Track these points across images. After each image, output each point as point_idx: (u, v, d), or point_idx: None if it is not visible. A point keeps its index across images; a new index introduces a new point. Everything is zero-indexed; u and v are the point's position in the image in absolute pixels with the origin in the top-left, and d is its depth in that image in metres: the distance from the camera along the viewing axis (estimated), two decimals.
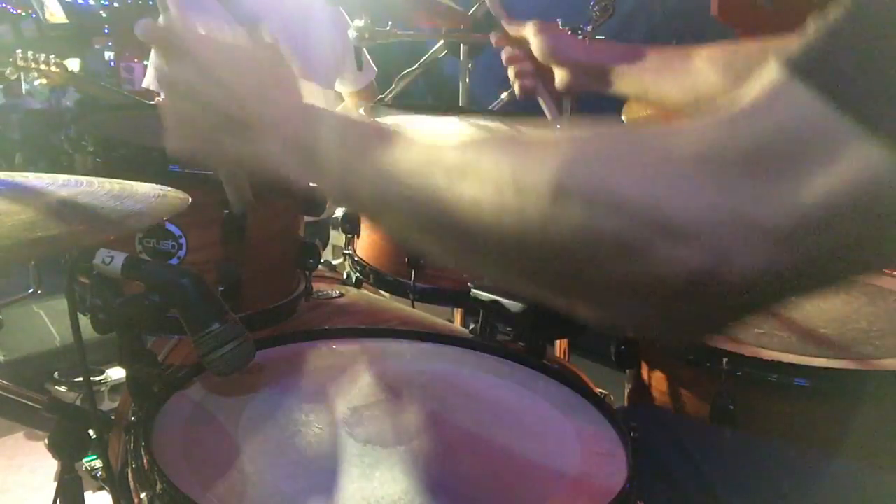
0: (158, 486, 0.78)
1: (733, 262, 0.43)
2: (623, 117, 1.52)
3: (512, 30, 1.30)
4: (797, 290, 0.48)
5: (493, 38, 1.33)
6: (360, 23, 1.90)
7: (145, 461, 0.82)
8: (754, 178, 0.43)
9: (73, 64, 2.72)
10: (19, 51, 2.62)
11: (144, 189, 0.91)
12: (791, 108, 0.42)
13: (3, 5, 4.58)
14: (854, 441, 1.05)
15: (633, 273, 0.46)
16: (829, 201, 0.41)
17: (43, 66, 2.59)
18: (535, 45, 1.24)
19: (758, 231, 0.43)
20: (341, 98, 2.62)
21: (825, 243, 0.42)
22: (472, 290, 1.31)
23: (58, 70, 2.59)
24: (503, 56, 1.32)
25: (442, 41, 2.05)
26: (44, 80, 2.64)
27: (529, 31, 1.25)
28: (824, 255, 0.43)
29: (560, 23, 1.85)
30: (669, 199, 0.44)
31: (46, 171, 0.98)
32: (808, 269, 0.44)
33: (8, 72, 2.66)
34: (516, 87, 1.32)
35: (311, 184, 0.71)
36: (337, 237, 2.09)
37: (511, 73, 1.31)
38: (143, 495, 0.81)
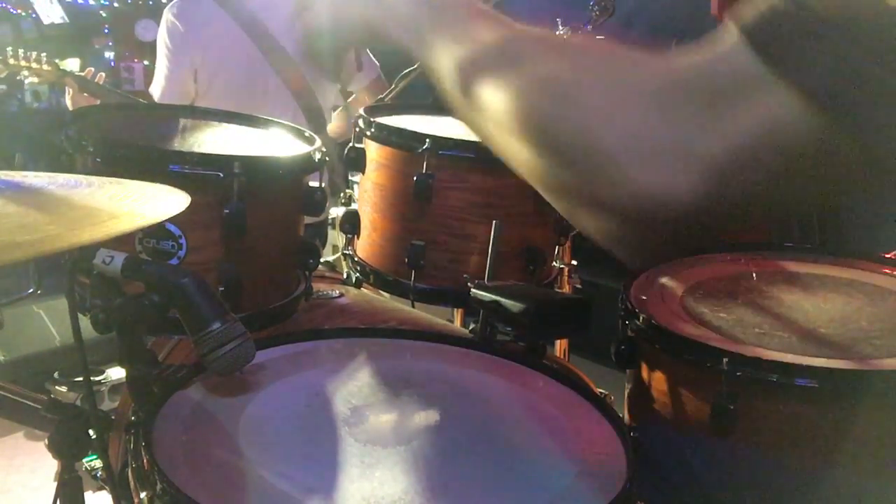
0: (158, 486, 0.78)
1: (675, 191, 0.51)
2: None
3: None
4: (731, 223, 0.57)
5: None
6: None
7: (145, 461, 0.82)
8: (696, 116, 0.50)
9: (73, 64, 2.70)
10: (10, 49, 2.60)
11: (144, 189, 0.91)
12: (735, 59, 0.49)
13: (3, 5, 4.58)
14: (854, 441, 1.05)
15: (586, 194, 0.55)
16: (754, 139, 0.49)
17: (35, 65, 2.58)
18: None
19: (696, 161, 0.50)
20: (348, 95, 2.63)
21: (752, 178, 0.50)
22: (472, 291, 1.31)
23: (50, 68, 2.57)
24: None
25: None
26: (35, 79, 2.62)
27: None
28: (751, 190, 0.51)
29: (560, 22, 1.85)
30: (621, 129, 0.52)
31: (46, 171, 0.98)
32: (738, 203, 0.52)
33: None
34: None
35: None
36: (337, 237, 2.09)
37: None
38: (143, 495, 0.81)
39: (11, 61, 2.60)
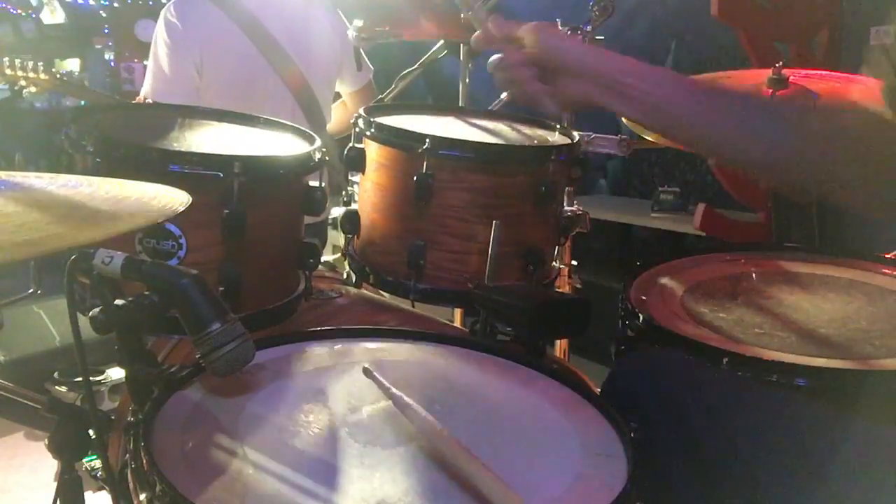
0: (158, 487, 0.78)
1: None
2: (625, 119, 1.51)
3: (499, 29, 1.11)
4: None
5: (472, 41, 1.15)
6: (359, 23, 1.90)
7: (145, 462, 0.82)
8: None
9: (73, 64, 2.70)
10: (6, 59, 2.59)
11: (144, 189, 0.91)
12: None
13: (3, 5, 4.58)
14: (854, 441, 1.05)
15: None
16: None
17: (31, 73, 2.56)
18: (536, 43, 1.07)
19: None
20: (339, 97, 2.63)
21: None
22: (472, 291, 1.31)
23: (47, 77, 2.56)
24: (493, 62, 1.11)
25: (442, 41, 2.05)
26: (33, 88, 2.61)
27: (526, 31, 1.09)
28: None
29: (559, 23, 1.85)
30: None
31: (46, 171, 0.98)
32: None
33: None
34: (510, 95, 1.13)
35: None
36: (337, 237, 2.09)
37: (504, 78, 1.10)
38: (142, 496, 0.81)
39: (8, 71, 2.59)
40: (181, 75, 2.26)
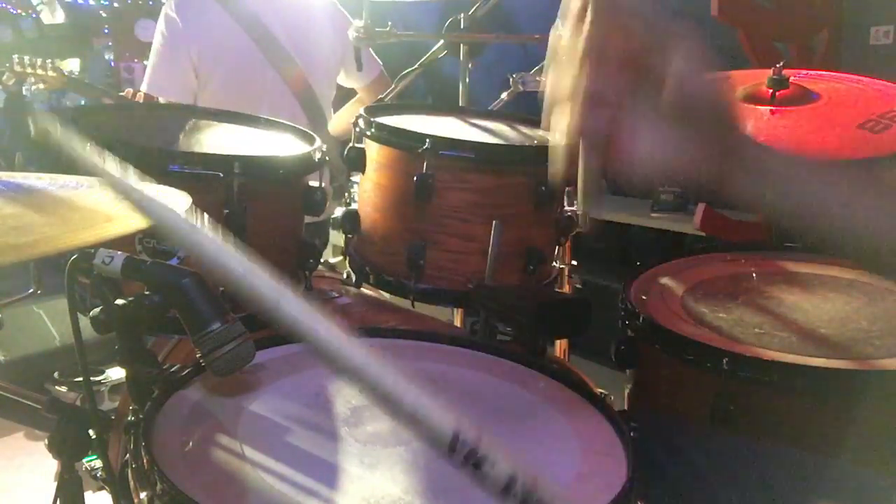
0: (158, 486, 0.78)
1: None
2: None
3: None
4: None
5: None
6: (360, 23, 1.90)
7: (145, 461, 0.82)
8: None
9: (73, 64, 2.72)
10: (16, 56, 2.62)
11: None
12: None
13: (3, 5, 4.58)
14: (853, 441, 1.05)
15: None
16: None
17: (40, 71, 2.60)
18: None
19: None
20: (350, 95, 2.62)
21: None
22: (473, 291, 1.31)
23: (55, 74, 2.59)
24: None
25: (442, 41, 2.05)
26: (41, 85, 2.64)
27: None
28: None
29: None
30: None
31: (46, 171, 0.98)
32: None
33: (5, 77, 2.67)
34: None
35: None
36: (337, 237, 2.09)
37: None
38: (143, 495, 0.81)
39: (18, 68, 2.62)
40: (175, 72, 2.26)
